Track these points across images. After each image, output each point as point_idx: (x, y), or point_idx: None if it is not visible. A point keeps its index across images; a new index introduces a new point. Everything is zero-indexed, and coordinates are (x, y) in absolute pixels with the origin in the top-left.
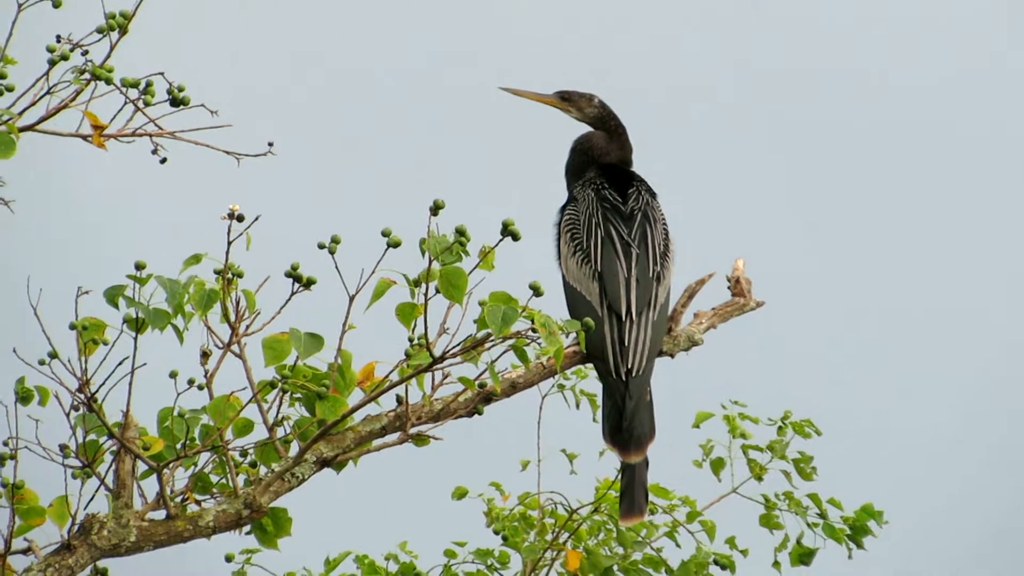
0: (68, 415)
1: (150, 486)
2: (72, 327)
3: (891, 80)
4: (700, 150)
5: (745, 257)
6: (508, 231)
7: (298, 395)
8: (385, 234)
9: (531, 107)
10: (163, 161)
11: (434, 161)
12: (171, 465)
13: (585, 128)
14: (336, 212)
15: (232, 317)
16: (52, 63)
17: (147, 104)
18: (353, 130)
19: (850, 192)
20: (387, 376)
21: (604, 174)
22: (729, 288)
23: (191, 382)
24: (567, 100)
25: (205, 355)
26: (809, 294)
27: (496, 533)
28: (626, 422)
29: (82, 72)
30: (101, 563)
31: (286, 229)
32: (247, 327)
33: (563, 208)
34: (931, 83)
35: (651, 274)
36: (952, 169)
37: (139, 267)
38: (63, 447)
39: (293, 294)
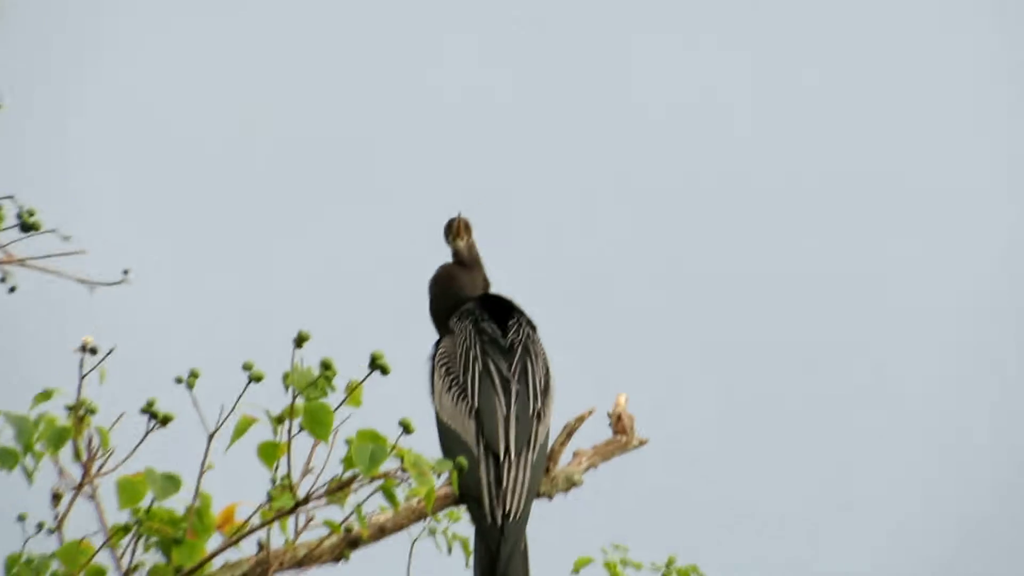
0: None
1: None
2: None
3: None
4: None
5: (627, 392)
6: (376, 364)
7: (154, 539)
8: (247, 367)
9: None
10: (12, 290)
11: (306, 287)
12: None
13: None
14: (202, 337)
15: (84, 456)
16: None
17: None
18: (223, 240)
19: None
20: (248, 519)
21: (483, 305)
22: (610, 425)
23: (41, 526)
24: (468, 229)
25: (56, 497)
26: (702, 423)
27: None
28: (500, 570)
29: None
30: None
31: (147, 355)
32: (100, 467)
33: (438, 342)
34: None
35: (531, 412)
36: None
37: None
38: None
39: (149, 432)
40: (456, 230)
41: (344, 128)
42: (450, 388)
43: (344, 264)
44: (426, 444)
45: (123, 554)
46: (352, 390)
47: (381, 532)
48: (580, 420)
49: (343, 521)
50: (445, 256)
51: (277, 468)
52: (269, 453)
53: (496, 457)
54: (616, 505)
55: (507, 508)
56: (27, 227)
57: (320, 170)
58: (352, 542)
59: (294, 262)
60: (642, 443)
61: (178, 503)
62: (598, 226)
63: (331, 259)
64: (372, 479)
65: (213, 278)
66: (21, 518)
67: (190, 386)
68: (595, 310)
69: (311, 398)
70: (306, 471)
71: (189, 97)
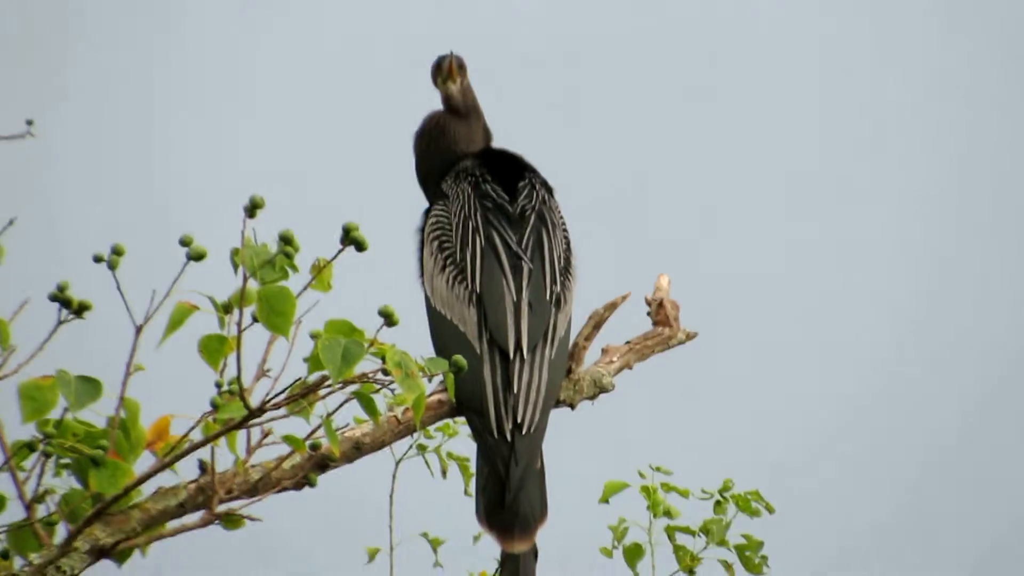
0: None
1: None
2: None
3: None
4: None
5: (670, 274)
6: (350, 238)
7: (67, 461)
8: (185, 243)
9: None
10: None
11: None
12: None
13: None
14: (132, 204)
15: None
16: None
17: None
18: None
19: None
20: (187, 435)
21: (485, 164)
22: (649, 315)
23: None
24: (462, 69)
25: None
26: (758, 316)
27: None
28: (510, 496)
29: None
30: None
31: (64, 229)
32: None
33: (428, 210)
34: None
35: (548, 296)
36: None
37: None
38: None
39: (60, 323)
40: (447, 70)
41: None
42: (444, 268)
43: (306, 105)
44: (414, 339)
45: (27, 479)
46: (320, 271)
47: (357, 450)
48: (611, 307)
49: (308, 436)
50: (435, 104)
51: (224, 369)
52: (214, 350)
53: (504, 354)
54: (656, 414)
55: (519, 418)
56: None
57: None
58: (320, 463)
59: (249, 101)
60: (690, 337)
61: (98, 414)
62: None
63: (291, 101)
64: (345, 383)
65: (150, 127)
66: None
67: (112, 266)
68: (624, 170)
69: (267, 281)
70: (261, 373)
71: None
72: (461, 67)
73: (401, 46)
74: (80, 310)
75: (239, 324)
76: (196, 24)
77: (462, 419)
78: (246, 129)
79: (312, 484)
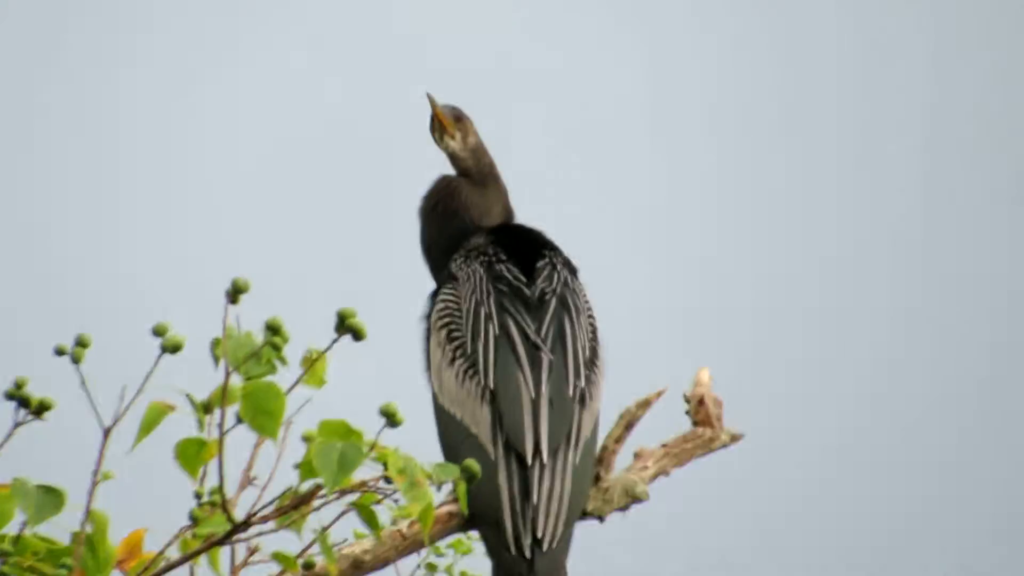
0: None
1: None
2: None
3: None
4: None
5: (712, 367)
6: (347, 326)
7: None
8: (159, 332)
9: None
10: None
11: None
12: None
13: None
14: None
15: None
16: None
17: None
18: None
19: None
20: (163, 552)
21: (498, 240)
22: (688, 413)
23: None
24: (459, 121)
25: None
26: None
27: None
28: None
29: None
30: None
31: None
32: None
33: (435, 294)
34: None
35: (571, 392)
36: None
37: None
38: None
39: (17, 425)
40: (438, 123)
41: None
42: (454, 360)
43: (297, 171)
44: (420, 442)
45: None
46: (312, 364)
47: (356, 569)
48: (644, 405)
49: (300, 554)
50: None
51: (204, 477)
52: (192, 455)
53: (521, 459)
54: (696, 526)
55: (538, 532)
56: None
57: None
58: None
59: (235, 179)
60: (735, 439)
61: (61, 528)
62: None
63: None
64: (342, 493)
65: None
66: None
67: (76, 359)
68: (661, 243)
69: (252, 376)
70: (246, 482)
71: None
72: (458, 119)
73: (406, 99)
74: (40, 410)
75: (221, 425)
76: (171, 98)
77: (475, 533)
78: (229, 201)
79: None
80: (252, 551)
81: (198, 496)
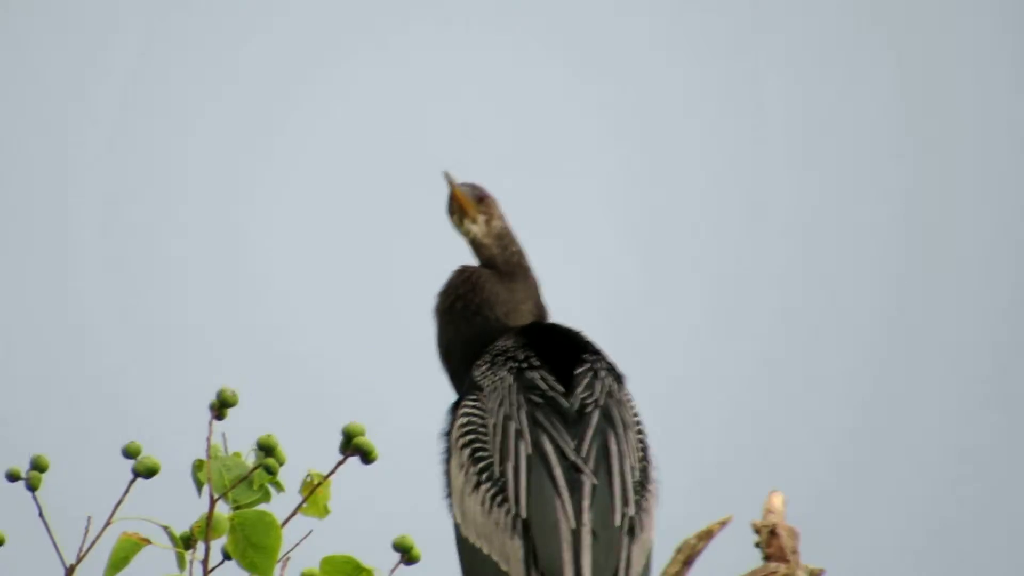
0: None
1: None
2: None
3: None
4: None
5: (786, 492)
6: (354, 445)
7: None
8: (130, 453)
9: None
10: None
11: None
12: None
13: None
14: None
15: None
16: None
17: None
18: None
19: None
20: None
21: (529, 343)
22: (758, 545)
23: None
24: (482, 202)
25: None
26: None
27: None
28: None
29: None
30: None
31: None
32: None
33: (455, 406)
34: None
35: (618, 521)
36: None
37: None
38: None
39: None
40: (456, 204)
41: None
42: (479, 485)
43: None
44: None
45: None
46: (313, 489)
47: None
48: (706, 536)
49: None
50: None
51: None
52: None
53: None
54: None
55: None
56: None
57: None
58: None
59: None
60: (813, 574)
61: None
62: None
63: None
64: None
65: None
66: None
67: (32, 485)
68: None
69: (242, 504)
70: None
71: None
72: (481, 199)
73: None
74: None
75: (205, 562)
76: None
77: None
78: (212, 298)
79: None
80: None
81: None
